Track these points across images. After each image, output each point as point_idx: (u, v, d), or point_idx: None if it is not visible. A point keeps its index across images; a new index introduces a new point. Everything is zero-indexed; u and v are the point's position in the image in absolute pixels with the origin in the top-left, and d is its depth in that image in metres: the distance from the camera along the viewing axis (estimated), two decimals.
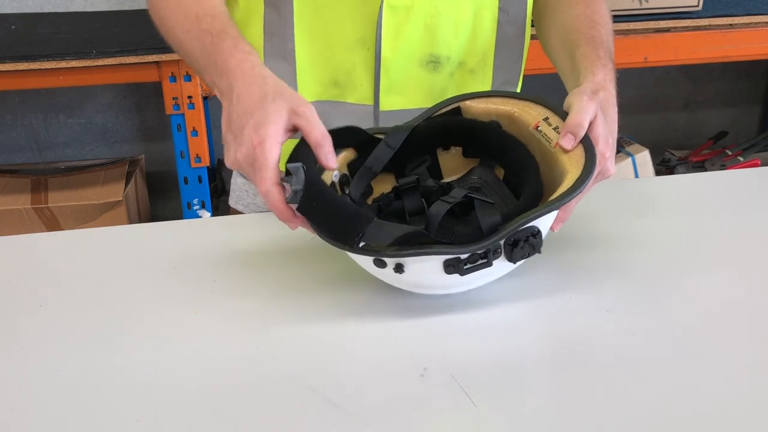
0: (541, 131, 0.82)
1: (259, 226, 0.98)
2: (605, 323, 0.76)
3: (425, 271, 0.73)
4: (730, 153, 2.46)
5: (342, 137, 0.80)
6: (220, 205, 2.20)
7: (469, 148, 0.88)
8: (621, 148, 2.39)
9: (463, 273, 0.72)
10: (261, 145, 0.71)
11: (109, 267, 0.88)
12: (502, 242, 0.72)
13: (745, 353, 0.72)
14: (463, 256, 0.71)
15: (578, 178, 0.74)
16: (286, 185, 0.72)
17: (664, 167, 2.48)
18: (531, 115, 0.84)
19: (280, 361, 0.71)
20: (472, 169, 0.88)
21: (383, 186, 0.87)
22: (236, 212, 1.09)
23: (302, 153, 0.74)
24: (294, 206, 0.72)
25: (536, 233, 0.73)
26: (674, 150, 2.58)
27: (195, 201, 2.02)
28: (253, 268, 0.87)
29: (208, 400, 0.67)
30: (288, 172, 0.71)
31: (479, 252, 0.71)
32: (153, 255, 0.90)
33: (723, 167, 2.42)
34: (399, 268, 0.72)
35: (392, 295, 0.79)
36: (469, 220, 0.79)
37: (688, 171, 2.43)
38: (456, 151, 0.89)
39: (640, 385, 0.67)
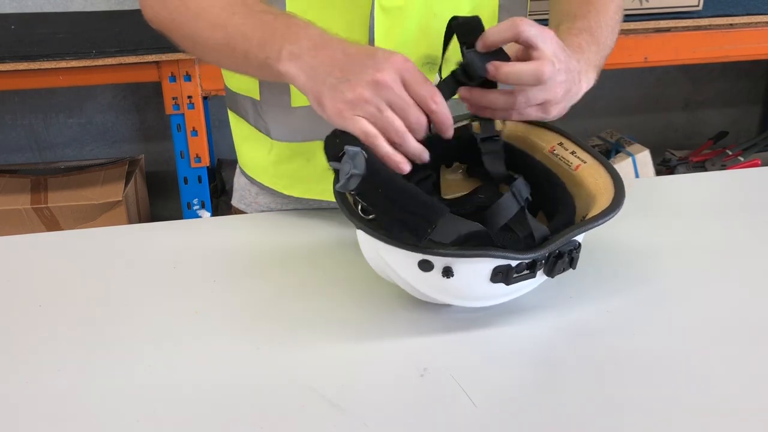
0: (557, 155, 0.83)
1: (260, 226, 0.98)
2: (605, 323, 0.76)
3: (473, 276, 0.70)
4: (730, 153, 2.46)
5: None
6: (220, 205, 2.20)
7: (477, 166, 0.86)
8: (621, 148, 2.39)
9: (509, 282, 0.70)
10: (409, 62, 0.70)
11: (109, 267, 0.88)
12: (546, 255, 0.70)
13: (745, 353, 0.72)
14: (514, 264, 0.70)
15: (615, 198, 0.74)
16: (339, 169, 0.69)
17: (664, 167, 2.48)
18: (545, 139, 0.85)
19: (280, 361, 0.71)
20: (477, 188, 0.88)
21: None
22: (238, 211, 1.09)
23: (353, 138, 0.71)
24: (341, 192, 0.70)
25: (577, 247, 0.73)
26: (674, 150, 2.58)
27: (195, 201, 2.02)
28: (253, 268, 0.87)
29: (208, 400, 0.67)
30: (339, 158, 0.68)
31: (527, 262, 0.70)
32: (153, 255, 0.90)
33: (723, 167, 2.42)
34: (447, 272, 0.69)
35: (393, 296, 0.79)
36: (503, 228, 0.78)
37: (688, 171, 2.43)
38: (458, 169, 0.88)
39: (640, 385, 0.67)
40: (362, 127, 0.71)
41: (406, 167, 0.72)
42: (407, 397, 0.67)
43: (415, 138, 0.72)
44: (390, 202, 0.68)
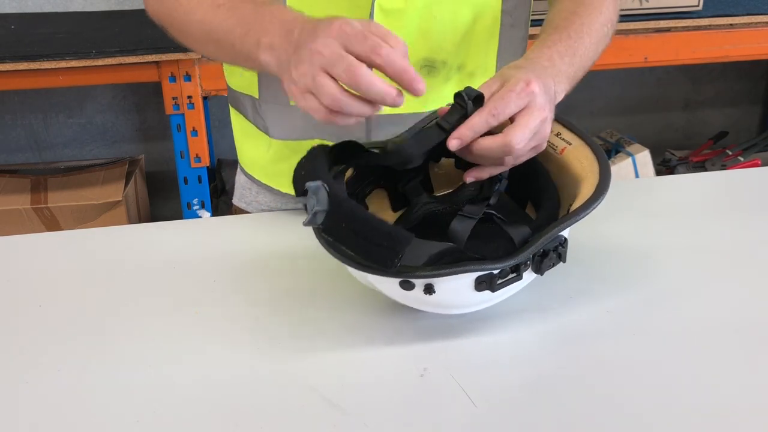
0: None
1: (260, 226, 0.98)
2: (605, 323, 0.76)
3: (456, 289, 0.70)
4: (730, 153, 2.46)
5: (342, 153, 0.78)
6: (220, 205, 2.20)
7: (462, 158, 0.87)
8: (621, 148, 2.39)
9: (494, 289, 0.70)
10: (348, 24, 0.67)
11: (109, 267, 0.88)
12: (530, 256, 0.70)
13: (745, 353, 0.72)
14: (496, 272, 0.69)
15: (599, 185, 0.73)
16: (306, 205, 0.68)
17: (664, 167, 2.48)
18: None
19: (280, 361, 0.71)
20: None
21: (376, 203, 0.85)
22: (239, 209, 1.09)
23: (318, 171, 0.70)
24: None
25: (564, 242, 0.72)
26: (674, 150, 2.58)
27: (195, 201, 2.02)
28: (253, 268, 0.87)
29: (208, 400, 0.67)
30: (305, 192, 0.68)
31: (511, 266, 0.69)
32: (153, 255, 0.90)
33: (723, 167, 2.42)
34: (429, 289, 0.69)
35: None
36: (482, 234, 0.78)
37: (688, 171, 2.43)
38: (448, 163, 0.88)
39: (640, 385, 0.67)
40: (306, 104, 0.70)
41: (348, 120, 0.70)
42: (407, 397, 0.67)
43: (378, 95, 0.67)
44: (355, 236, 0.67)
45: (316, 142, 0.94)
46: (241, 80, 0.98)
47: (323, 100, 0.68)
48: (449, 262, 0.68)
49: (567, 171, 0.79)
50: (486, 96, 0.75)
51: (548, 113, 0.75)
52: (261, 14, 0.77)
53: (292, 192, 1.00)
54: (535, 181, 0.81)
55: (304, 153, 0.97)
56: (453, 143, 0.73)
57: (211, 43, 0.83)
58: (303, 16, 0.75)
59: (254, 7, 0.78)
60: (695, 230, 0.94)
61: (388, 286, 0.70)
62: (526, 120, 0.73)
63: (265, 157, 1.00)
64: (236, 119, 1.04)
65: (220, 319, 0.78)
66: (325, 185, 0.67)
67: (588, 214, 0.71)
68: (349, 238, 0.67)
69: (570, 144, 0.80)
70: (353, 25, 0.68)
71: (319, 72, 0.68)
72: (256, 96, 0.97)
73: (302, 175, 0.71)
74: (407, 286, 0.69)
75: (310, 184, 0.67)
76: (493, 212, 0.76)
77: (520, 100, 0.73)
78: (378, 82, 0.67)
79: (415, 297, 0.70)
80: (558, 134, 0.82)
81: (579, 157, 0.78)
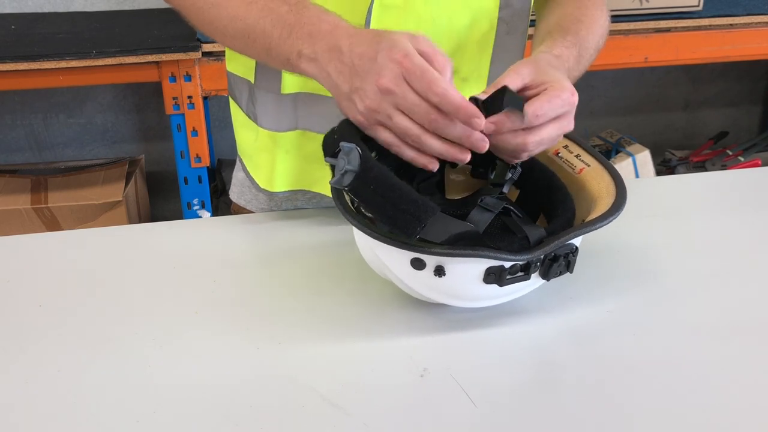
0: (562, 157, 0.83)
1: (259, 226, 0.98)
2: (606, 324, 0.76)
3: (465, 276, 0.70)
4: (730, 153, 2.47)
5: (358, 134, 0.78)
6: (220, 205, 2.20)
7: (480, 167, 0.87)
8: (621, 148, 2.39)
9: (502, 284, 0.70)
10: (408, 57, 0.68)
11: (109, 267, 0.88)
12: (541, 257, 0.70)
13: (746, 353, 0.72)
14: (507, 265, 0.69)
15: (616, 200, 0.74)
16: (335, 165, 0.69)
17: (664, 167, 2.48)
18: None
19: (280, 361, 0.71)
20: (479, 189, 0.87)
21: None
22: (238, 207, 1.09)
23: (348, 135, 0.72)
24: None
25: (574, 251, 0.72)
26: (675, 150, 2.58)
27: (195, 201, 2.02)
28: (253, 268, 0.87)
29: (207, 400, 0.67)
30: (335, 154, 0.69)
31: (521, 263, 0.70)
32: (153, 255, 0.90)
33: (723, 167, 2.42)
34: (439, 271, 0.69)
35: (393, 296, 0.79)
36: (497, 233, 0.78)
37: (688, 171, 2.43)
38: (464, 171, 0.88)
39: (641, 385, 0.67)
40: (383, 137, 0.73)
41: (433, 166, 0.73)
42: (407, 397, 0.67)
43: (448, 133, 0.71)
44: (382, 199, 0.68)
45: (298, 133, 0.95)
46: (239, 64, 0.99)
47: (406, 140, 0.72)
48: (467, 246, 0.68)
49: (583, 189, 0.80)
50: (515, 80, 0.74)
51: (572, 125, 0.76)
52: (300, 20, 0.77)
53: (266, 186, 1.00)
54: (551, 194, 0.81)
55: (284, 146, 0.97)
56: (489, 127, 0.73)
57: (241, 39, 0.82)
58: (343, 24, 0.75)
59: (289, 8, 0.78)
60: (695, 230, 0.94)
61: (399, 264, 0.70)
62: (551, 129, 0.74)
63: (252, 146, 1.01)
64: (234, 110, 1.05)
65: (220, 319, 0.78)
66: (358, 148, 0.68)
67: (604, 225, 0.72)
68: (375, 201, 0.68)
69: (588, 166, 0.81)
70: (410, 56, 0.69)
71: (395, 113, 0.71)
72: (252, 80, 0.97)
73: (334, 138, 0.72)
74: (418, 264, 0.69)
75: (344, 144, 0.69)
76: (512, 208, 0.76)
77: (562, 109, 0.74)
78: (459, 128, 0.70)
79: (423, 279, 0.70)
80: (577, 156, 0.82)
81: (596, 179, 0.79)
